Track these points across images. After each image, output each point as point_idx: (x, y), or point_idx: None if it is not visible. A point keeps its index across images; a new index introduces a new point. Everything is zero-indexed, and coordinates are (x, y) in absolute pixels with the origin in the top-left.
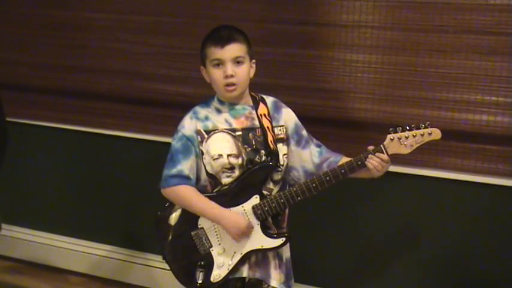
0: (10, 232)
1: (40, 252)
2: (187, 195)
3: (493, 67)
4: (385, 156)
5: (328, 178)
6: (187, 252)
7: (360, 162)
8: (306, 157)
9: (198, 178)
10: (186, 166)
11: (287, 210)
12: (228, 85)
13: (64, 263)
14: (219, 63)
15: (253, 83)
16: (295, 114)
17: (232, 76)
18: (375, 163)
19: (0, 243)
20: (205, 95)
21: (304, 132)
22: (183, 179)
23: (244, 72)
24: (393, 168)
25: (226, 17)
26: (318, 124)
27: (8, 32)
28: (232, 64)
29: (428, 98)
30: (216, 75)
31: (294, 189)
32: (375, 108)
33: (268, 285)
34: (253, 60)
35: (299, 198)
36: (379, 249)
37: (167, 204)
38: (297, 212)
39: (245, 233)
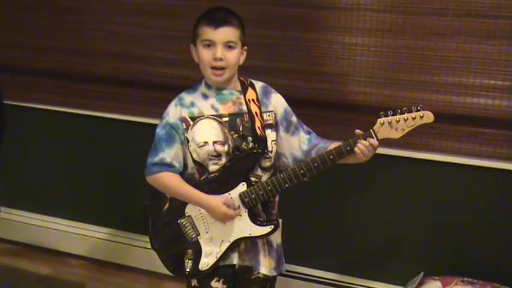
0: (9, 215)
1: (39, 235)
2: (170, 182)
3: (491, 50)
4: (375, 141)
5: (316, 164)
6: (175, 241)
7: (348, 148)
8: (295, 144)
9: (185, 166)
10: (168, 154)
11: (277, 197)
12: (214, 68)
13: (63, 246)
14: (210, 44)
15: (251, 66)
16: (294, 97)
17: (221, 60)
18: (362, 147)
19: None
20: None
21: (294, 119)
22: (165, 166)
23: (234, 57)
24: (390, 152)
25: None
26: (316, 107)
27: (4, 14)
28: (223, 47)
29: (427, 82)
30: (205, 55)
31: (282, 176)
32: (373, 92)
33: (258, 272)
34: (245, 47)
35: (287, 185)
36: (375, 233)
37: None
38: (293, 195)
39: (230, 216)
